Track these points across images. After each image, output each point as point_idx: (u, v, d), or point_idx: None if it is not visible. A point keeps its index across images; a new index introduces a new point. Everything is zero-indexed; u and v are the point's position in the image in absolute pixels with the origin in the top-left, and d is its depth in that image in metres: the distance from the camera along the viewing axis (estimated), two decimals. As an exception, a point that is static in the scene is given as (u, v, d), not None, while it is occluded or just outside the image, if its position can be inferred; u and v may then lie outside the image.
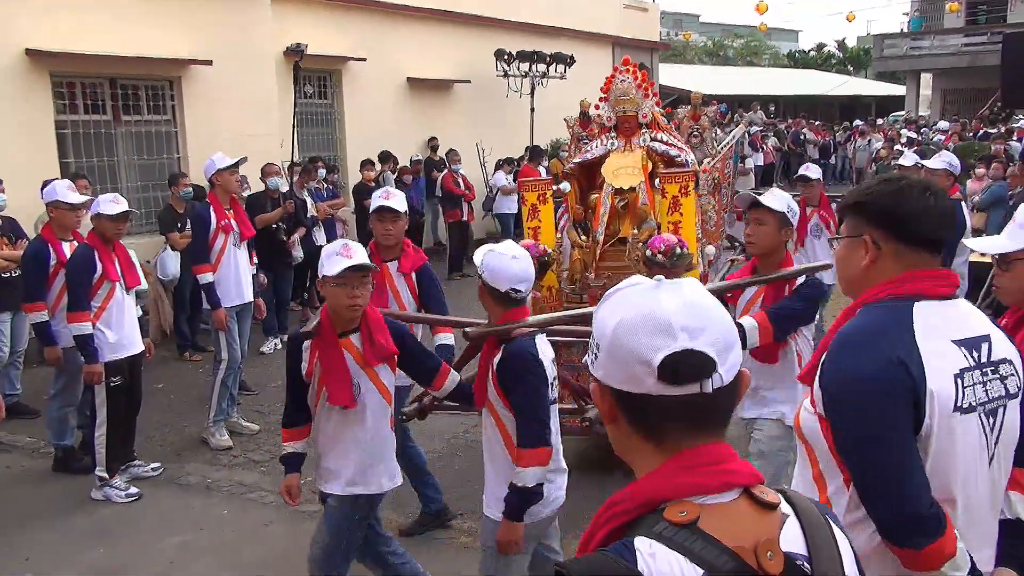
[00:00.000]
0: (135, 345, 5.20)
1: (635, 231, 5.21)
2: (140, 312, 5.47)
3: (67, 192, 5.29)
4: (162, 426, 6.23)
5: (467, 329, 3.20)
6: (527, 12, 14.95)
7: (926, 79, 31.38)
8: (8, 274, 6.28)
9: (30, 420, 6.26)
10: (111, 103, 8.78)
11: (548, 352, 3.09)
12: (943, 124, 21.48)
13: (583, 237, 5.43)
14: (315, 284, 9.34)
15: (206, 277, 6.26)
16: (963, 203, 6.67)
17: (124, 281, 5.12)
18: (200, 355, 7.93)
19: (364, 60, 11.93)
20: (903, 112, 29.78)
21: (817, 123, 25.10)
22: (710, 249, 5.91)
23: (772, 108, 28.78)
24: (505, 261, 2.97)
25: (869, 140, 20.37)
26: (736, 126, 7.28)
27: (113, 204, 5.06)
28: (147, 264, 7.85)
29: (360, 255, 3.22)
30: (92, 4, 8.26)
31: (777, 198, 3.66)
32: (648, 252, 4.69)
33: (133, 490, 5.09)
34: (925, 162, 7.25)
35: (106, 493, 5.04)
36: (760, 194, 3.78)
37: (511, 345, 2.99)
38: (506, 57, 13.77)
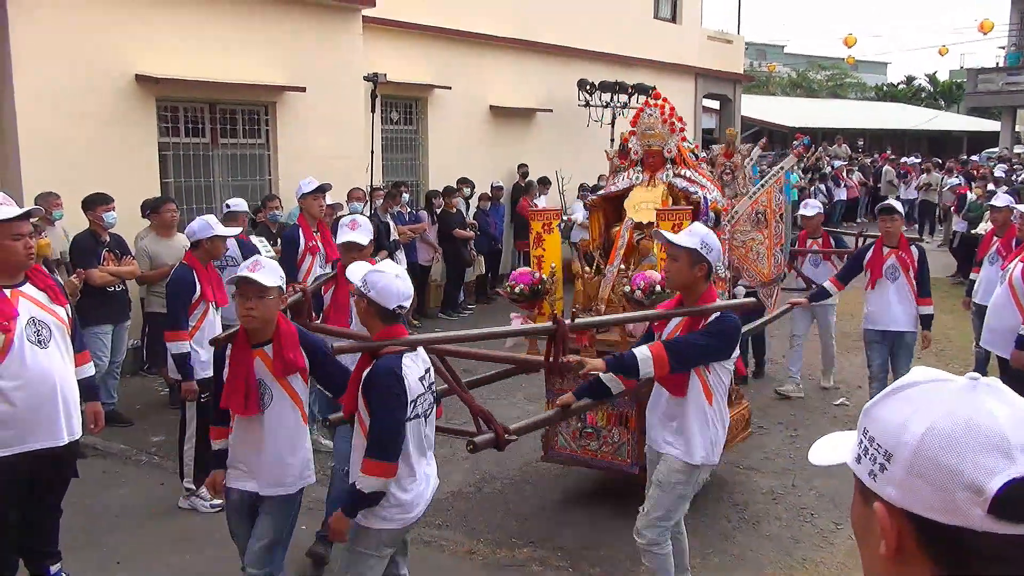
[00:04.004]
0: None
1: (622, 266, 5.22)
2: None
3: (219, 226, 5.35)
4: (245, 439, 6.45)
5: (334, 344, 3.34)
6: (610, 43, 15.06)
7: (1022, 115, 30.26)
8: (112, 288, 6.62)
9: (125, 428, 6.56)
10: (210, 127, 9.19)
11: (416, 371, 3.21)
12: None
13: (586, 268, 5.43)
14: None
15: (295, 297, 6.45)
16: None
17: (215, 301, 5.35)
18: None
19: (449, 88, 12.19)
20: (996, 149, 28.76)
21: (913, 160, 23.91)
22: (739, 290, 5.87)
23: (861, 142, 28.13)
24: (390, 280, 3.17)
25: (958, 177, 19.72)
26: (787, 157, 7.13)
27: (221, 226, 5.28)
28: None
29: (263, 271, 3.39)
30: (196, 33, 8.69)
31: (690, 235, 3.72)
32: (627, 288, 4.75)
33: (217, 501, 5.27)
34: (1020, 206, 7.01)
35: (192, 503, 5.25)
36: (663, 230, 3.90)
37: (379, 361, 3.15)
38: (588, 87, 13.89)
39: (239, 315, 3.54)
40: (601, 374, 3.73)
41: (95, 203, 6.59)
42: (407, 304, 3.22)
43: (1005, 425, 0.89)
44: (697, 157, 5.73)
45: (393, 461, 3.11)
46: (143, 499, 5.41)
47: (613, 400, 4.31)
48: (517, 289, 5.08)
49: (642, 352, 3.58)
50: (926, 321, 6.38)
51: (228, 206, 7.42)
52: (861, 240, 7.45)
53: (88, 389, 4.10)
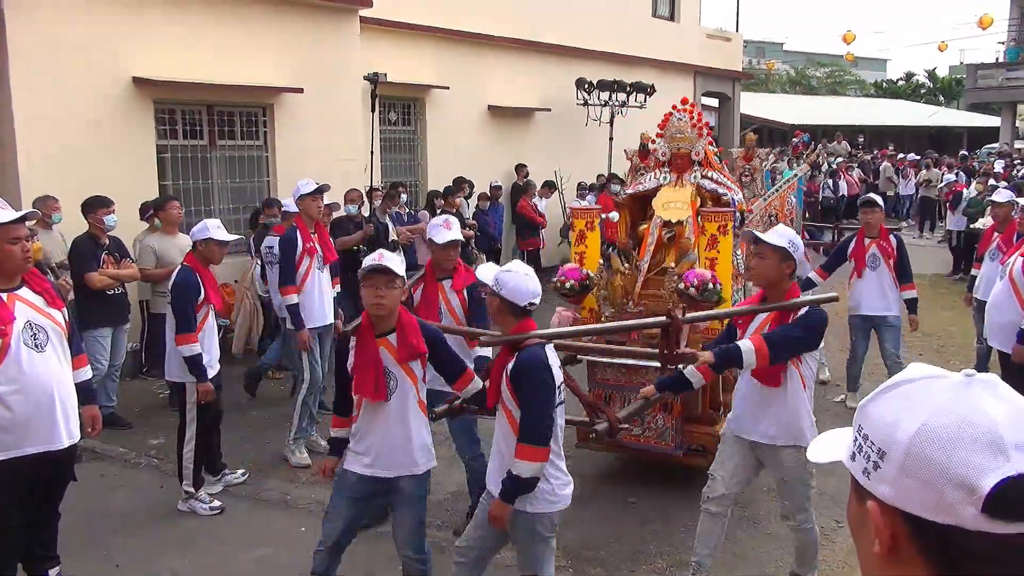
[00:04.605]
0: (217, 363, 5.44)
1: (672, 264, 5.47)
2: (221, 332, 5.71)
3: (217, 230, 5.33)
4: (244, 441, 6.44)
5: (481, 338, 3.69)
6: (608, 42, 15.04)
7: (1022, 110, 30.22)
8: (111, 291, 6.60)
9: (124, 431, 6.55)
10: (208, 128, 9.18)
11: (555, 360, 3.45)
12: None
13: (625, 264, 5.69)
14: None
15: (291, 299, 6.45)
16: None
17: (214, 303, 5.34)
18: (281, 373, 8.17)
19: (447, 88, 12.18)
20: (996, 144, 28.72)
21: (913, 156, 23.78)
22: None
23: (861, 139, 28.09)
24: (521, 279, 3.40)
25: (957, 173, 19.68)
26: (802, 163, 7.53)
27: (221, 230, 5.27)
28: (234, 283, 8.15)
29: (389, 260, 3.58)
30: (193, 35, 8.67)
31: (779, 235, 3.95)
32: (681, 284, 5.01)
33: (217, 504, 5.27)
34: (1021, 199, 7.00)
35: (191, 506, 5.24)
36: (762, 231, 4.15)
37: (524, 352, 3.36)
38: (586, 86, 13.87)
39: (367, 304, 3.69)
40: (684, 369, 4.02)
41: (95, 206, 6.57)
42: (537, 301, 3.41)
43: (1001, 422, 0.87)
44: (721, 159, 6.01)
45: (546, 445, 3.31)
46: (142, 502, 5.40)
47: (692, 391, 4.62)
48: (568, 284, 5.35)
49: (746, 345, 3.82)
50: (911, 305, 6.85)
51: (284, 205, 7.64)
52: (838, 233, 7.80)
53: (85, 392, 4.08)
